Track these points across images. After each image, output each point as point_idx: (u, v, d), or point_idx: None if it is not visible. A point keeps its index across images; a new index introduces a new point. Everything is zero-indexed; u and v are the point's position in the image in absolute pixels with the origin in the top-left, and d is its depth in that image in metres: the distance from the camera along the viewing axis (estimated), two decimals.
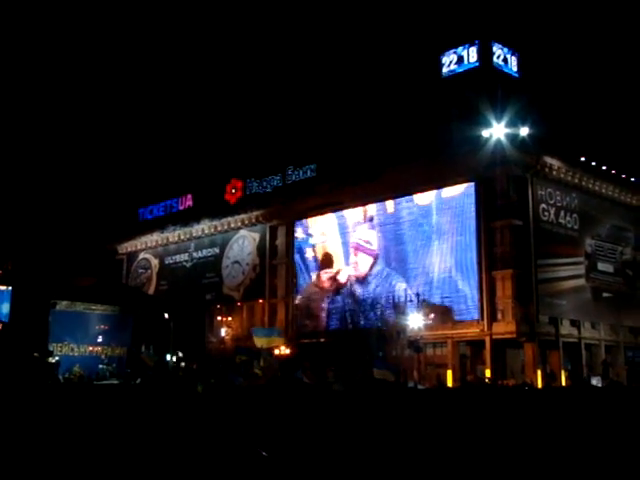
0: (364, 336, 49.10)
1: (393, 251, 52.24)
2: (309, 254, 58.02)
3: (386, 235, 52.86)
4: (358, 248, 54.37)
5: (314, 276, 57.14)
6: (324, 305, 55.97)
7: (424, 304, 46.40)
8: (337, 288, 55.39)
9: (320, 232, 57.53)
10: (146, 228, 72.17)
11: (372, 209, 54.09)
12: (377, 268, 53.02)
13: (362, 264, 53.93)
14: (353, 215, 55.35)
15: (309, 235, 58.33)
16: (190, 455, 12.26)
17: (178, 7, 77.13)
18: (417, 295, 48.77)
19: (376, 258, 53.17)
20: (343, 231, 55.81)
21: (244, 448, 12.54)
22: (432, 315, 46.32)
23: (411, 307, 48.26)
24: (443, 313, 47.88)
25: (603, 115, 50.80)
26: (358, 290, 53.73)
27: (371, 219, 53.90)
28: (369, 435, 14.10)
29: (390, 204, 52.96)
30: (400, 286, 51.00)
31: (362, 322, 52.93)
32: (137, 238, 73.44)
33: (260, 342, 49.88)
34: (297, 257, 59.09)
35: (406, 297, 49.62)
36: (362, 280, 53.68)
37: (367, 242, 53.78)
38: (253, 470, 11.07)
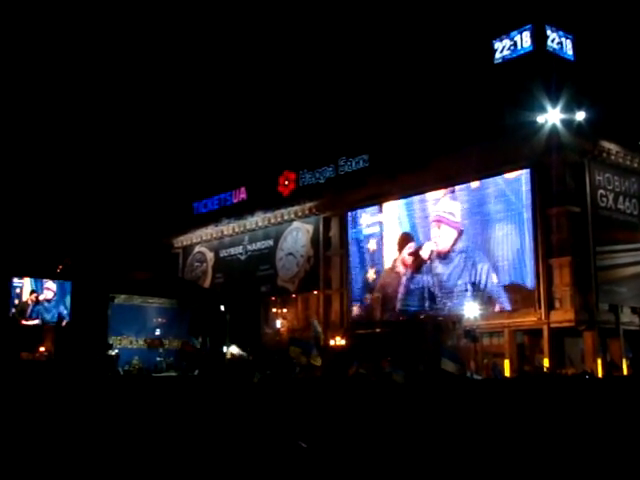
0: (420, 326, 48.80)
1: (448, 240, 51.69)
2: (371, 245, 57.28)
3: (440, 224, 52.33)
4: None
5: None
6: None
7: (483, 293, 45.94)
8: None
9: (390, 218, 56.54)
10: (201, 222, 72.98)
11: (427, 197, 53.29)
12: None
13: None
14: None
15: (375, 223, 57.41)
16: (235, 445, 12.38)
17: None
18: (473, 284, 48.40)
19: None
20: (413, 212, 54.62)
21: (287, 439, 12.61)
22: (495, 304, 45.92)
23: (470, 296, 48.02)
24: (500, 301, 47.41)
25: None
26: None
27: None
28: (426, 427, 14.03)
29: (443, 192, 52.38)
30: (455, 274, 50.54)
31: (420, 311, 52.43)
32: (192, 232, 74.34)
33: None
34: (354, 249, 58.74)
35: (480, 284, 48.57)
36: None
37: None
38: (291, 462, 11.12)
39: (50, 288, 46.23)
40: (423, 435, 13.14)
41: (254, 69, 72.21)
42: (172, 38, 79.13)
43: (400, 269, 54.66)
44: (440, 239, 52.15)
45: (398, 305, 54.49)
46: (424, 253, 52.98)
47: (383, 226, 56.52)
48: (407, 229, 54.69)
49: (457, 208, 51.39)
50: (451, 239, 51.36)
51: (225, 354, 47.15)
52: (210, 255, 73.49)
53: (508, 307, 47.23)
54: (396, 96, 54.71)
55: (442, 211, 52.41)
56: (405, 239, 54.70)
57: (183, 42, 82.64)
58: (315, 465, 11.03)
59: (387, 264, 55.89)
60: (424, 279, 52.80)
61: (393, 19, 60.22)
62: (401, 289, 54.43)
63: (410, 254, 53.98)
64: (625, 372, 43.81)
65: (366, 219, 58.06)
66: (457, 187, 51.57)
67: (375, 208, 57.32)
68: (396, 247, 55.19)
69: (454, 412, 16.06)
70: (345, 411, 16.47)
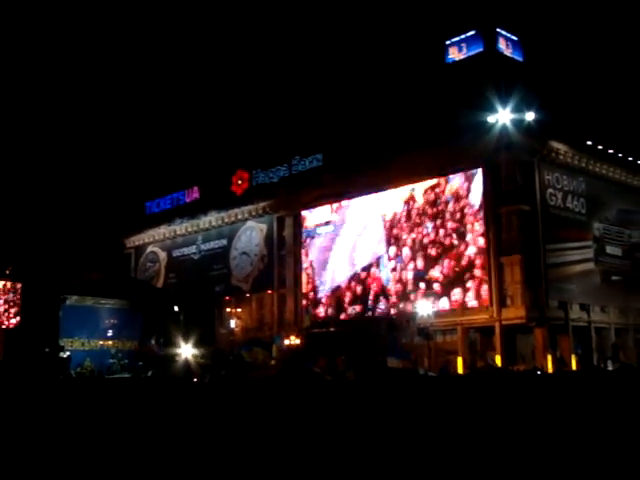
0: (375, 324, 49.12)
1: (401, 239, 52.15)
2: (326, 244, 57.46)
3: (393, 223, 52.75)
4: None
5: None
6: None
7: (432, 291, 46.43)
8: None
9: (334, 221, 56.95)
10: (153, 221, 72.29)
11: (385, 195, 53.68)
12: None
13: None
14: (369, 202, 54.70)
15: (323, 224, 57.70)
16: (191, 449, 12.34)
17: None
18: (427, 282, 48.86)
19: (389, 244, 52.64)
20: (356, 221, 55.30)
21: (246, 440, 12.60)
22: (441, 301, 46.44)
23: (423, 294, 48.51)
24: (452, 300, 47.96)
25: (609, 98, 50.56)
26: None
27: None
28: (381, 424, 14.13)
29: (396, 192, 52.82)
30: (408, 273, 51.06)
31: (372, 310, 52.92)
32: (145, 232, 73.59)
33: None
34: (308, 248, 58.84)
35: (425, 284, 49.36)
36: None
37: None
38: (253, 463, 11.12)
39: None
40: (371, 432, 13.24)
41: (208, 68, 71.79)
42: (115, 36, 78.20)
43: (355, 268, 54.91)
44: (394, 238, 52.58)
45: (352, 304, 54.74)
46: (378, 252, 53.34)
47: (337, 225, 56.71)
48: (361, 228, 54.93)
49: (412, 207, 51.85)
50: (404, 238, 51.83)
51: (180, 355, 46.78)
52: (163, 255, 72.85)
53: (460, 304, 47.80)
54: (350, 96, 54.92)
55: (395, 211, 52.85)
56: (358, 239, 54.96)
57: (129, 40, 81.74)
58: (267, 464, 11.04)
59: (342, 263, 56.07)
60: (378, 278, 53.14)
61: (348, 20, 60.49)
62: (356, 288, 54.68)
63: (364, 254, 54.30)
64: (574, 368, 44.73)
65: (320, 218, 58.17)
66: (411, 187, 52.01)
67: (329, 207, 57.49)
68: (351, 246, 55.40)
69: (402, 408, 16.20)
70: (298, 409, 16.50)
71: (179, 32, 76.43)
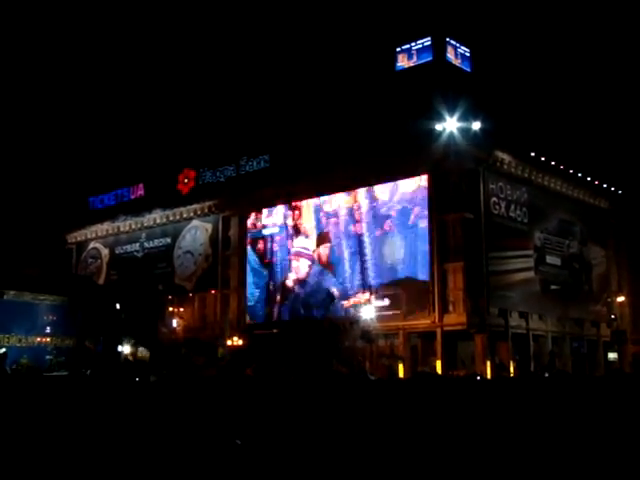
0: (317, 327, 49.26)
1: (347, 243, 52.39)
2: (271, 245, 57.38)
3: (340, 227, 53.01)
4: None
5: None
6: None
7: (376, 294, 46.73)
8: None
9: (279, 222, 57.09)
10: (96, 217, 71.18)
11: (331, 199, 53.92)
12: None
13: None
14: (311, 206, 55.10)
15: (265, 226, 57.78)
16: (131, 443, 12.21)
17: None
18: (369, 286, 49.12)
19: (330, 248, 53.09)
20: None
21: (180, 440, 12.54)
22: (385, 304, 46.81)
23: (363, 298, 48.72)
24: (395, 304, 48.33)
25: (553, 111, 51.69)
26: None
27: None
28: (325, 427, 14.19)
29: (343, 196, 53.10)
30: (353, 277, 51.36)
31: (314, 312, 53.03)
32: (87, 227, 72.44)
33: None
34: (253, 249, 58.75)
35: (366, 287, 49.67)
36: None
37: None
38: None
39: None
40: (313, 434, 13.29)
41: (157, 65, 70.96)
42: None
43: (300, 271, 54.96)
44: (337, 243, 52.88)
45: (297, 306, 54.77)
46: (323, 256, 53.52)
47: (283, 227, 56.66)
48: (308, 231, 55.00)
49: (359, 211, 52.13)
50: (349, 243, 52.14)
51: (120, 353, 46.22)
52: (105, 252, 71.79)
53: (402, 309, 48.22)
54: (300, 99, 54.93)
55: (340, 214, 53.17)
56: (307, 243, 55.06)
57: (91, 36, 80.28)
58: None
59: (287, 265, 56.07)
60: (324, 281, 53.31)
61: (301, 23, 60.49)
62: (300, 290, 54.75)
63: (309, 257, 54.44)
64: (512, 373, 45.58)
65: (267, 219, 58.06)
66: (357, 191, 52.28)
67: (276, 209, 57.41)
68: (297, 249, 55.46)
69: (344, 411, 16.30)
70: (238, 409, 16.46)
71: (132, 28, 75.36)
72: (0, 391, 22.48)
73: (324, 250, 53.63)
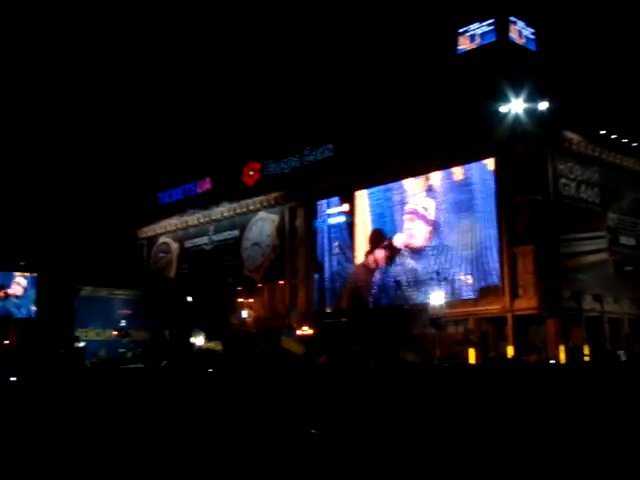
0: (387, 315, 49.14)
1: (417, 227, 52.00)
2: (338, 235, 57.40)
3: (410, 212, 52.66)
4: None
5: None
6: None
7: (446, 281, 46.35)
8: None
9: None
10: (165, 212, 72.52)
11: (398, 186, 53.51)
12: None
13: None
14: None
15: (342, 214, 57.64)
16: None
17: None
18: (437, 273, 48.75)
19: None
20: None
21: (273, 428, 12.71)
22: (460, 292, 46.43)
23: (433, 284, 48.37)
24: (465, 290, 47.91)
25: (621, 88, 50.26)
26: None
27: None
28: (400, 412, 14.23)
29: (410, 182, 52.72)
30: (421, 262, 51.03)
31: (384, 300, 52.87)
32: (157, 223, 73.86)
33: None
34: (320, 239, 58.83)
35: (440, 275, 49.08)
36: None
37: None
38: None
39: (20, 283, 45.69)
40: (396, 420, 13.35)
41: (220, 60, 71.65)
42: (127, 27, 78.20)
43: (369, 260, 54.90)
44: (413, 232, 52.37)
45: (366, 294, 54.75)
46: (395, 245, 53.23)
47: (350, 216, 56.64)
48: (376, 220, 54.80)
49: (430, 201, 51.61)
50: (424, 232, 51.66)
51: (193, 345, 47.10)
52: (175, 246, 73.09)
53: (473, 295, 47.77)
54: (362, 87, 54.79)
55: (415, 204, 52.58)
56: (376, 234, 54.83)
57: (142, 32, 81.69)
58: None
59: (354, 254, 56.10)
60: (393, 269, 53.09)
61: (361, 10, 60.15)
62: (369, 278, 54.69)
63: (380, 248, 54.19)
64: (587, 358, 44.63)
65: (333, 209, 58.16)
66: (427, 178, 51.80)
67: (342, 198, 57.41)
68: (365, 239, 55.36)
69: (422, 398, 16.32)
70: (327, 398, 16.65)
71: (191, 24, 76.29)
72: (82, 383, 23.22)
73: (397, 240, 53.21)
